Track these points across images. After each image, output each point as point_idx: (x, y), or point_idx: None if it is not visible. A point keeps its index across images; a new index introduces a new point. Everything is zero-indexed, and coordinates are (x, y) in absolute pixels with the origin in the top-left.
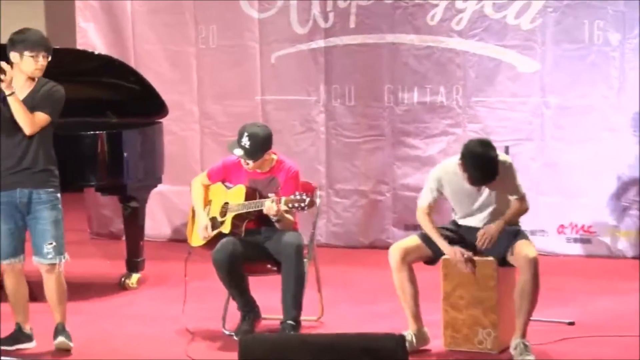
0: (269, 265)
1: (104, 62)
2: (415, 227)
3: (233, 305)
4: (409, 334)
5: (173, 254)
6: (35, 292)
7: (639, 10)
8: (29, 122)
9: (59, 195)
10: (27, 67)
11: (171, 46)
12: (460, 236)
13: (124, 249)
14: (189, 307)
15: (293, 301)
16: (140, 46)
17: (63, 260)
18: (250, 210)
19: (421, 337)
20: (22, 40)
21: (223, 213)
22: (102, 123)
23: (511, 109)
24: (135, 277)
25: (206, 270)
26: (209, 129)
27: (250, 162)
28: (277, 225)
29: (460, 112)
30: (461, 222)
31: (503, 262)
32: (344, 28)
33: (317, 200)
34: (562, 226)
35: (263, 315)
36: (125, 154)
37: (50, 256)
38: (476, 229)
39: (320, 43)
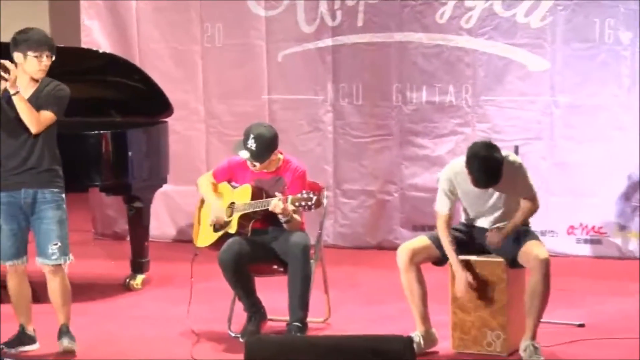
0: (275, 266)
1: (108, 61)
2: (424, 228)
3: (239, 306)
4: (417, 335)
5: (178, 254)
6: (39, 293)
7: None
8: (35, 120)
9: (63, 195)
10: (30, 68)
11: (176, 45)
12: (471, 237)
13: (129, 249)
14: (194, 308)
15: (299, 302)
16: (145, 44)
17: (68, 261)
18: (257, 209)
19: (429, 338)
20: (25, 40)
21: (229, 213)
22: (106, 122)
23: (521, 108)
24: (139, 278)
25: (212, 271)
26: (215, 128)
27: (257, 163)
28: (285, 226)
29: (470, 111)
30: (472, 222)
31: (513, 263)
32: (352, 26)
33: (325, 201)
34: (572, 227)
35: (269, 317)
36: (129, 154)
37: (55, 257)
38: (486, 230)
39: (327, 42)
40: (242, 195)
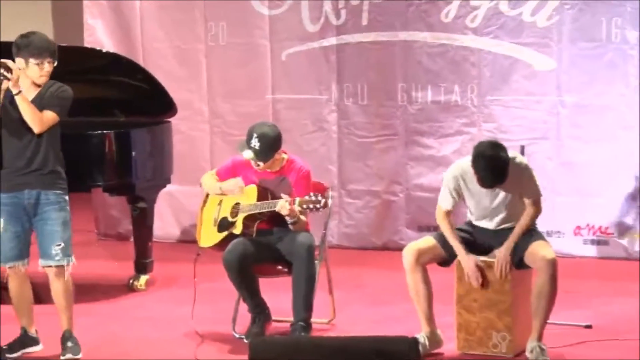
0: (279, 267)
1: (111, 60)
2: (429, 228)
3: (243, 307)
4: (422, 336)
5: (182, 255)
6: (41, 294)
7: None
8: (38, 120)
9: (67, 197)
10: (32, 74)
11: (180, 44)
12: (475, 237)
13: (132, 250)
14: (198, 309)
15: (304, 302)
16: (149, 44)
17: (70, 263)
18: (263, 210)
19: (434, 339)
20: (27, 45)
21: (234, 213)
22: (109, 122)
23: (527, 108)
24: (143, 278)
25: (216, 272)
26: (219, 128)
27: (261, 163)
28: (291, 227)
29: (475, 111)
30: (476, 223)
31: (519, 264)
32: (356, 25)
33: (329, 201)
34: (578, 227)
35: (274, 318)
36: (133, 154)
37: (58, 258)
38: (491, 231)
39: (332, 41)
40: (247, 196)
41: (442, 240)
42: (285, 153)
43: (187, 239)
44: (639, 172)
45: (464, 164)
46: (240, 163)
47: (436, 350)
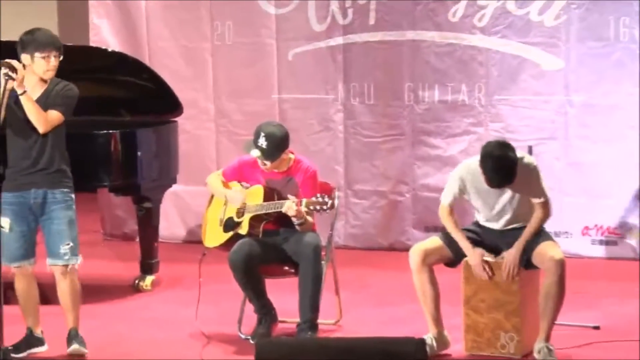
0: (286, 267)
1: (117, 60)
2: (436, 229)
3: (249, 308)
4: (429, 337)
5: (188, 255)
6: (48, 295)
7: None
8: (42, 120)
9: (73, 195)
10: (39, 69)
11: (186, 43)
12: (482, 238)
13: (138, 250)
14: (204, 310)
15: (310, 303)
16: (155, 43)
17: (78, 262)
18: (269, 211)
19: (442, 341)
20: (32, 41)
21: (240, 214)
22: (115, 122)
23: (535, 108)
24: (149, 279)
25: (222, 272)
26: (225, 127)
27: (268, 162)
28: (297, 227)
29: (483, 110)
30: (484, 223)
31: (527, 264)
32: (363, 25)
33: (336, 201)
34: (586, 228)
35: (280, 319)
36: (139, 154)
37: (66, 257)
38: (498, 231)
39: (338, 40)
40: (253, 196)
41: (449, 241)
42: (292, 153)
43: (193, 240)
44: None
45: (471, 163)
46: (247, 163)
47: (444, 352)
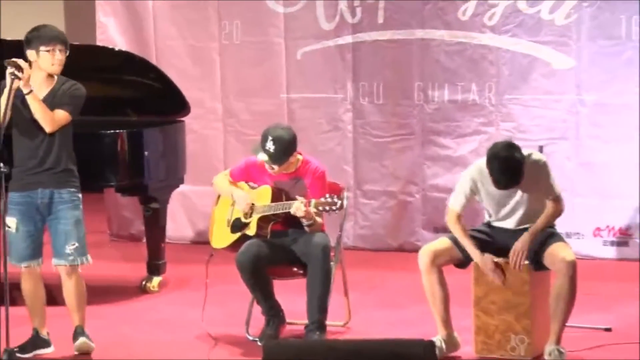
0: (294, 269)
1: (124, 59)
2: (446, 229)
3: (257, 309)
4: (439, 339)
5: (195, 256)
6: (54, 295)
7: None
8: (49, 119)
9: (80, 195)
10: (44, 63)
11: (194, 42)
12: (494, 239)
13: (145, 251)
14: (211, 312)
15: (318, 304)
16: (162, 42)
17: (86, 262)
18: (277, 212)
19: (451, 343)
20: (37, 36)
21: (248, 214)
22: (122, 121)
23: (546, 107)
24: (156, 280)
25: (229, 273)
26: (232, 127)
27: (276, 166)
28: (306, 229)
29: (493, 110)
30: (495, 223)
31: (538, 266)
32: (372, 23)
33: (345, 202)
34: (598, 229)
35: (288, 320)
36: (146, 154)
37: (71, 257)
38: (510, 231)
39: (347, 39)
40: (261, 197)
41: (458, 242)
42: (300, 154)
43: (201, 240)
44: None
45: (482, 164)
46: (254, 165)
47: (453, 354)
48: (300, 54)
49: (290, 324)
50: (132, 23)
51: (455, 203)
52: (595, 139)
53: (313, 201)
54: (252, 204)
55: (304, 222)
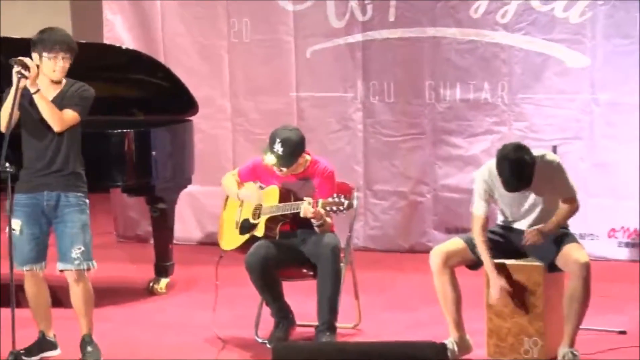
0: (304, 270)
1: (131, 57)
2: (457, 230)
3: (266, 311)
4: (451, 342)
5: (203, 257)
6: (60, 298)
7: None
8: (57, 118)
9: (87, 199)
10: (46, 69)
11: (202, 40)
12: (508, 240)
13: (152, 252)
14: (220, 314)
15: (329, 306)
16: (170, 40)
17: (91, 267)
18: (285, 212)
19: (463, 345)
20: (41, 41)
21: (256, 215)
22: (129, 121)
23: (559, 107)
24: (164, 282)
25: (238, 275)
26: (241, 126)
27: (284, 168)
28: (317, 229)
29: (506, 109)
30: (509, 224)
31: (551, 267)
32: (383, 21)
33: (354, 202)
34: (613, 230)
35: (298, 322)
36: (153, 154)
37: (77, 262)
38: (524, 232)
39: (357, 37)
40: (269, 197)
41: (471, 243)
42: (308, 154)
43: (209, 241)
44: None
45: (492, 166)
46: (261, 165)
47: (465, 357)
48: (309, 52)
49: (300, 326)
50: (139, 21)
51: (478, 209)
52: (609, 138)
53: (320, 201)
54: (260, 204)
55: (314, 222)
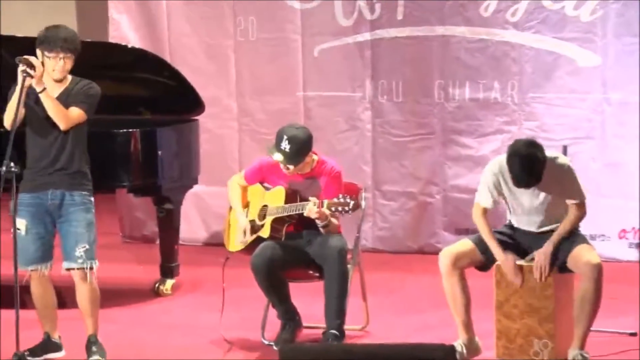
0: (310, 271)
1: (137, 56)
2: (467, 231)
3: (273, 313)
4: (460, 344)
5: (209, 258)
6: (65, 299)
7: None
8: (63, 116)
9: (92, 198)
10: (47, 68)
11: (208, 39)
12: (515, 241)
13: (158, 253)
14: (226, 315)
15: (336, 308)
16: (176, 39)
17: (94, 266)
18: (291, 213)
19: (472, 347)
20: (44, 38)
21: (262, 216)
22: (135, 120)
23: (570, 106)
24: (169, 283)
25: (244, 276)
26: (248, 126)
27: (291, 167)
28: (322, 230)
29: (516, 109)
30: (517, 224)
31: (562, 268)
32: (391, 20)
33: (363, 203)
34: (623, 230)
35: (304, 324)
36: (159, 153)
37: (81, 260)
38: (533, 234)
39: (366, 36)
40: (275, 198)
41: (481, 244)
42: (315, 154)
43: (215, 242)
44: None
45: (502, 160)
46: (268, 165)
47: (474, 359)
48: (317, 51)
49: (306, 327)
50: (145, 20)
51: (480, 198)
52: (621, 138)
53: (325, 202)
54: (266, 205)
55: (319, 223)
